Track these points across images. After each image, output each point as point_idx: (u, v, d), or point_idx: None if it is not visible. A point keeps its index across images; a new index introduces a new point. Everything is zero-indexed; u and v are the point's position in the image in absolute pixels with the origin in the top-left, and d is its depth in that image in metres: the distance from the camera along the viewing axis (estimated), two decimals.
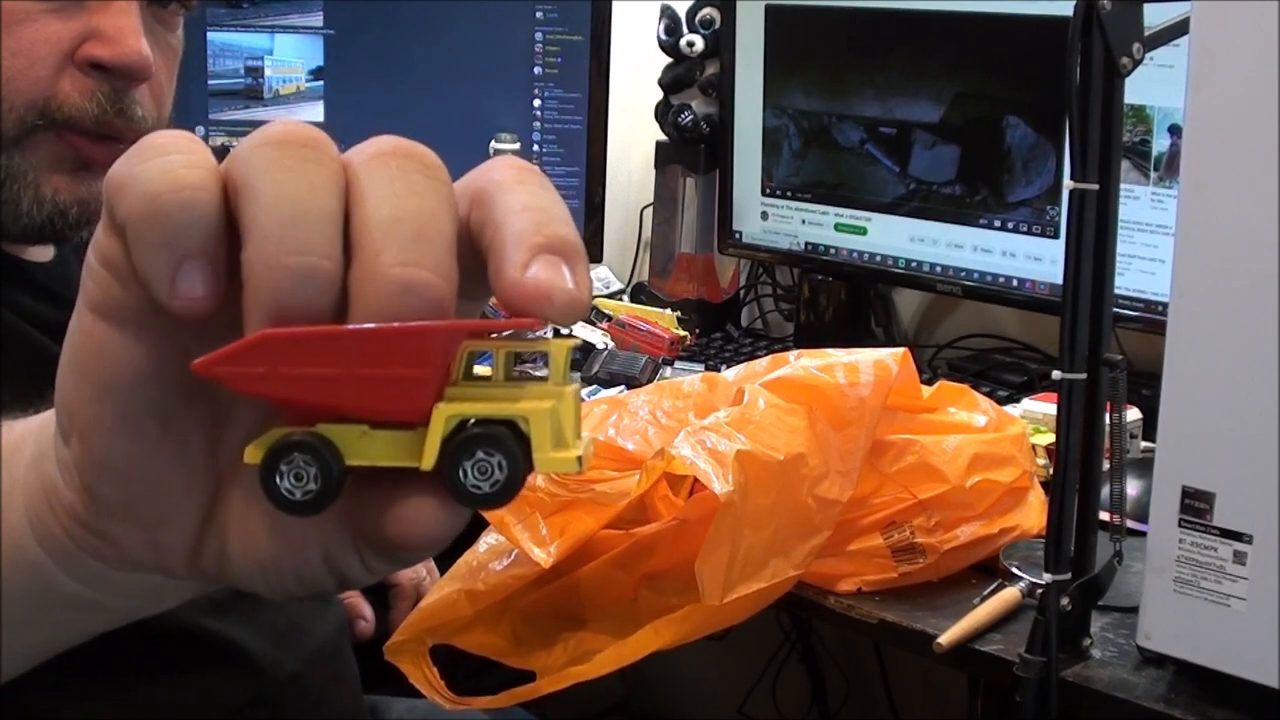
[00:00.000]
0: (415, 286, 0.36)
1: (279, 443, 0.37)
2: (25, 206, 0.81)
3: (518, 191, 0.38)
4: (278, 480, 0.37)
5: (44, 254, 0.90)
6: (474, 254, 0.38)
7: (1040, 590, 1.03)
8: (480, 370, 0.39)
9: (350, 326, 0.36)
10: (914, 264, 1.77)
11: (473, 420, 0.37)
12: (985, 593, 1.14)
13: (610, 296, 2.05)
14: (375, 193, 0.37)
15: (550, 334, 1.53)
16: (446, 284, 0.36)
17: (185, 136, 0.38)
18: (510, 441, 0.36)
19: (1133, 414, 1.35)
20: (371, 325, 0.35)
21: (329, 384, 0.36)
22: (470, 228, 0.38)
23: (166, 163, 0.37)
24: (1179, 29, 0.99)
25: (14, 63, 0.79)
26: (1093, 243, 0.99)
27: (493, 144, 1.81)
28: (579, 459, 0.37)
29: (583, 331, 1.80)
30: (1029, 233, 1.65)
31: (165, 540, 0.41)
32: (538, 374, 0.38)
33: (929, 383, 1.28)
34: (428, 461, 0.37)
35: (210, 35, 1.92)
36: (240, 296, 0.36)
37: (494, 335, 0.38)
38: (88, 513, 0.41)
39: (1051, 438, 1.21)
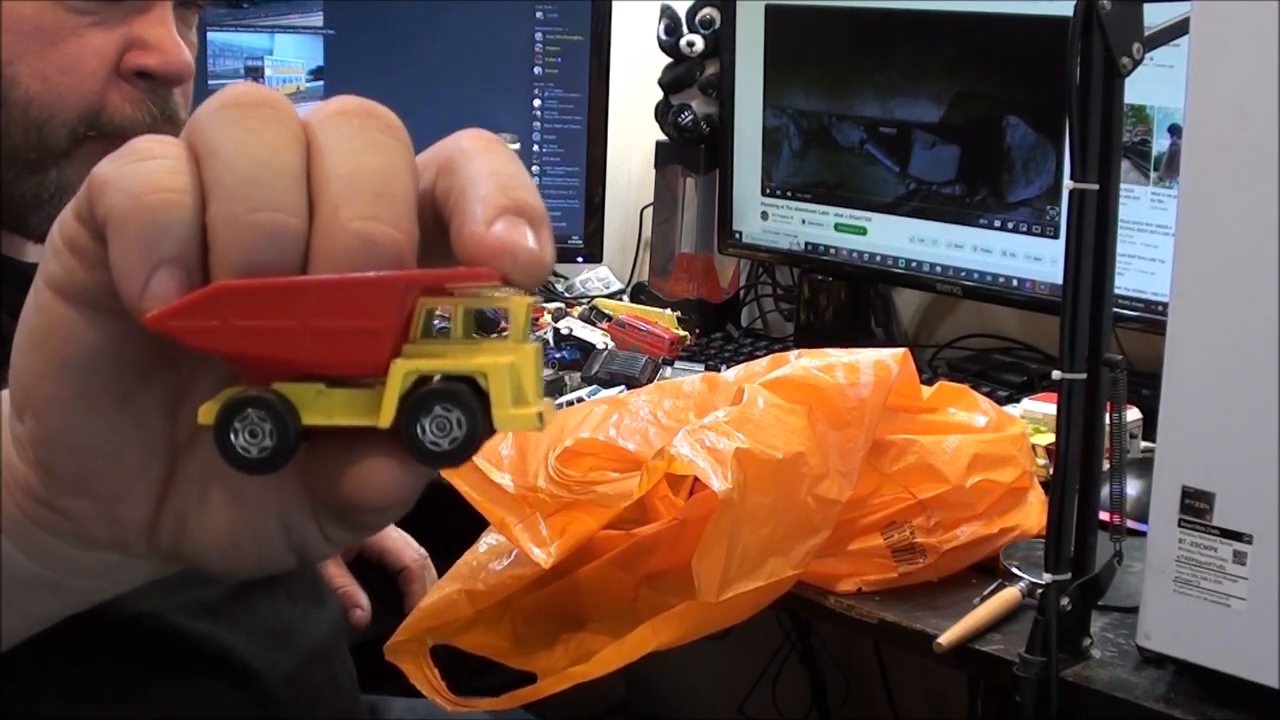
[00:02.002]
0: (376, 240, 0.36)
1: (234, 399, 0.36)
2: None
3: (485, 159, 0.38)
4: (232, 437, 0.36)
5: (38, 254, 0.90)
6: (437, 223, 0.38)
7: (1040, 590, 1.03)
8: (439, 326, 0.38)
9: (306, 277, 0.35)
10: (914, 264, 1.77)
11: (430, 376, 0.36)
12: (985, 593, 1.14)
13: (610, 296, 2.05)
14: (336, 148, 0.37)
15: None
16: (407, 239, 0.36)
17: (172, 143, 0.38)
18: (469, 398, 0.36)
19: (1133, 414, 1.35)
20: (327, 276, 0.35)
21: (284, 337, 0.36)
22: (436, 195, 0.38)
23: (151, 166, 0.37)
24: (1179, 29, 0.99)
25: (64, 79, 0.81)
26: (1093, 243, 0.99)
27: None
28: (539, 415, 0.37)
29: (583, 332, 1.80)
30: (1029, 233, 1.65)
31: (122, 516, 0.41)
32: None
33: (929, 383, 1.28)
34: (385, 418, 0.36)
35: (210, 35, 1.92)
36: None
37: (452, 291, 0.37)
38: (44, 488, 0.41)
39: (1051, 438, 1.21)
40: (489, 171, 0.37)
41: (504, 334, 0.38)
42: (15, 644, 0.47)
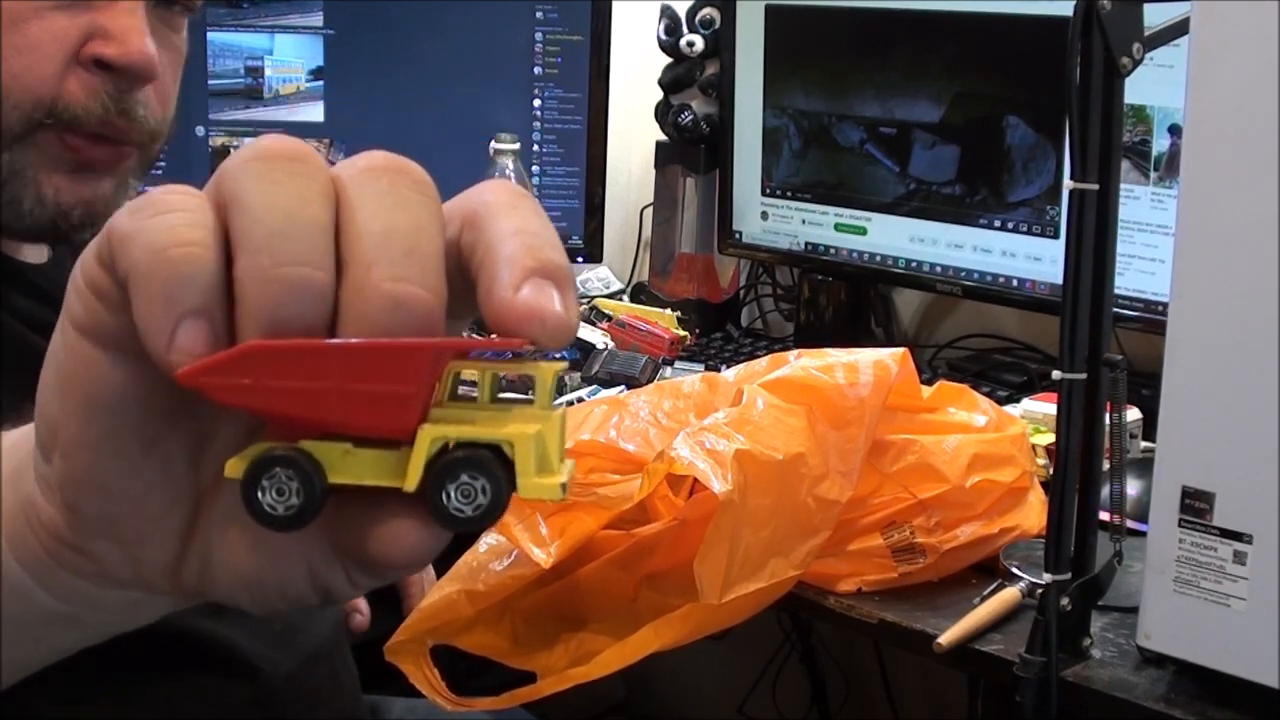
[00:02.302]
0: (406, 302, 0.36)
1: (262, 456, 0.37)
2: (27, 206, 0.81)
3: (510, 215, 0.38)
4: (259, 495, 0.37)
5: (39, 255, 0.90)
6: (462, 275, 0.38)
7: (1040, 590, 1.03)
8: (466, 390, 0.39)
9: (337, 340, 0.35)
10: (914, 264, 1.77)
11: (456, 443, 0.37)
12: (985, 593, 1.14)
13: (610, 296, 2.05)
14: (366, 207, 0.37)
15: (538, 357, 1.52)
16: (437, 300, 0.36)
17: (190, 194, 0.38)
18: (494, 465, 0.36)
19: (1133, 414, 1.35)
20: (358, 340, 0.35)
21: (313, 398, 0.36)
22: (461, 248, 0.38)
23: (171, 220, 0.37)
24: (1179, 29, 0.99)
25: (20, 59, 0.79)
26: (1093, 243, 0.99)
27: (493, 144, 1.81)
28: (562, 485, 0.37)
29: (583, 332, 1.80)
30: (1029, 233, 1.65)
31: (146, 557, 0.41)
32: (523, 396, 0.38)
33: (929, 383, 1.28)
34: (410, 483, 0.36)
35: (210, 35, 1.92)
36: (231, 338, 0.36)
37: (481, 355, 0.38)
38: (69, 530, 0.41)
39: (1051, 438, 1.21)
40: (514, 230, 0.37)
41: (530, 397, 0.38)
42: (27, 675, 0.47)
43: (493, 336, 0.37)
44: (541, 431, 0.37)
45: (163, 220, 0.37)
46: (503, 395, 0.38)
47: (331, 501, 0.38)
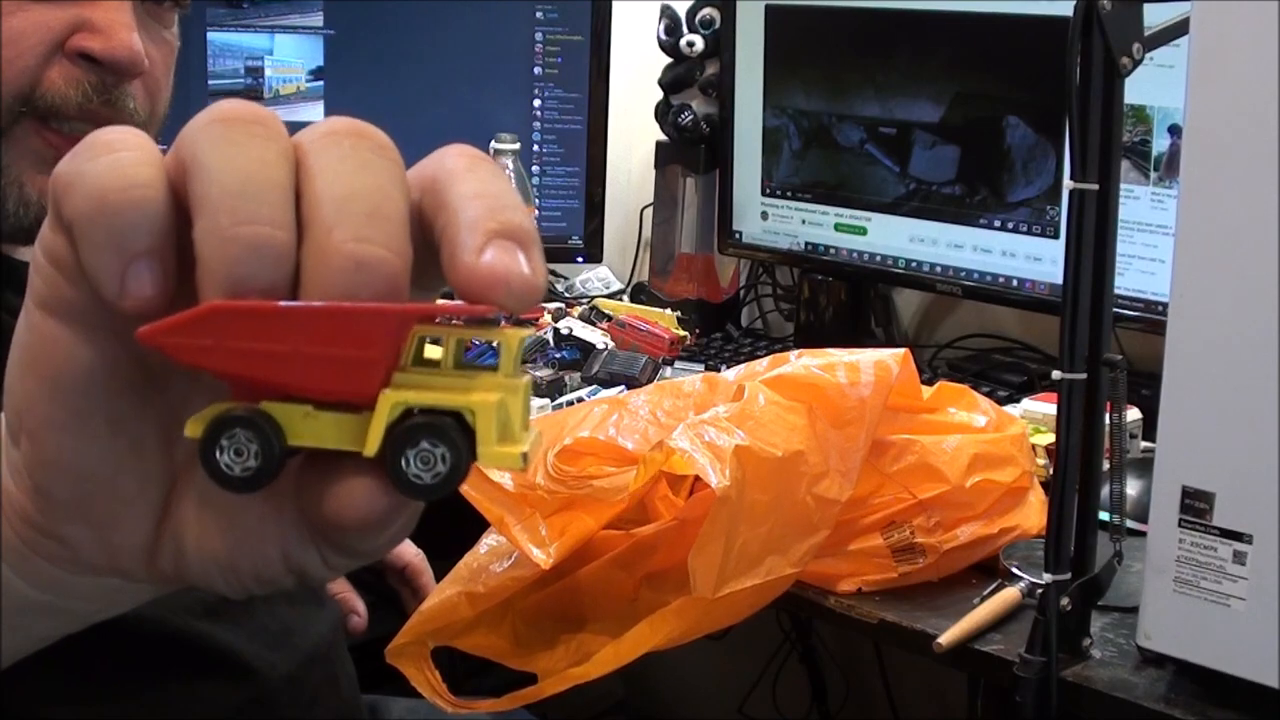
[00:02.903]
0: (369, 262, 0.35)
1: (220, 416, 0.36)
2: (11, 207, 0.80)
3: (469, 179, 0.37)
4: (217, 455, 0.36)
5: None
6: (425, 242, 0.37)
7: (1040, 590, 1.03)
8: (431, 353, 0.38)
9: (301, 304, 0.35)
10: (914, 264, 1.77)
11: (417, 408, 0.36)
12: (985, 593, 1.14)
13: (610, 296, 2.05)
14: (327, 169, 0.36)
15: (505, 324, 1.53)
16: (401, 261, 0.36)
17: (133, 132, 0.38)
18: (455, 433, 0.36)
19: (1133, 414, 1.34)
20: (323, 303, 0.35)
21: (275, 360, 0.35)
22: (422, 215, 0.38)
23: (115, 160, 0.36)
24: (1179, 29, 0.99)
25: (4, 51, 0.78)
26: (1093, 243, 0.99)
27: (493, 144, 1.81)
28: (523, 455, 0.36)
29: (583, 332, 1.80)
30: (1029, 233, 1.65)
31: (120, 542, 0.40)
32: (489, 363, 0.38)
33: (929, 383, 1.28)
34: (370, 448, 0.36)
35: (210, 35, 1.92)
36: (191, 290, 0.36)
37: (448, 321, 0.37)
38: (40, 515, 0.40)
39: (1051, 438, 1.21)
40: (474, 193, 0.37)
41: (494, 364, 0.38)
42: (13, 662, 0.47)
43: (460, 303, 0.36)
44: (504, 400, 0.36)
45: (106, 161, 0.36)
46: (467, 362, 0.38)
47: (296, 472, 0.37)
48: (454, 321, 0.37)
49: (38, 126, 0.80)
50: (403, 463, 0.36)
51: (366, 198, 0.36)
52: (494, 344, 0.38)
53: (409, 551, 1.35)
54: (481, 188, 0.37)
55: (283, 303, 0.35)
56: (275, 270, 0.35)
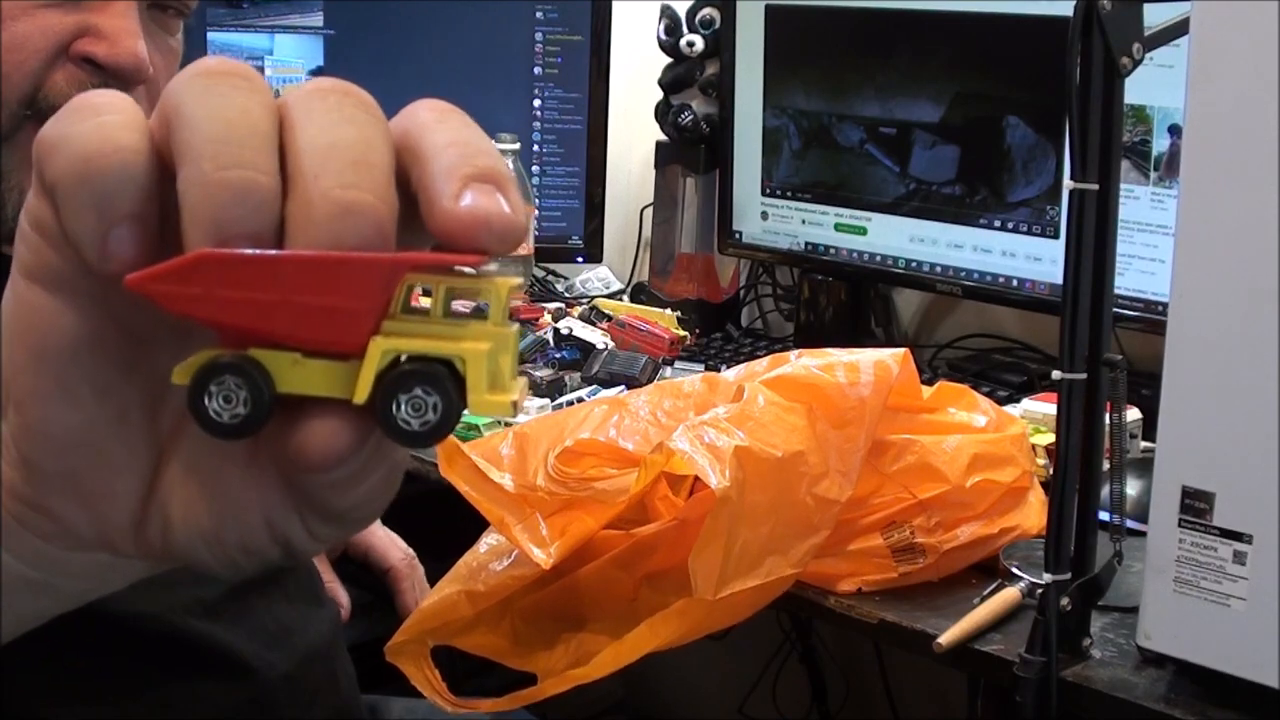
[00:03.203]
0: (356, 208, 0.35)
1: (210, 363, 0.36)
2: (11, 211, 0.79)
3: (441, 129, 0.38)
4: (206, 401, 0.36)
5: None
6: (403, 196, 0.37)
7: (1040, 590, 1.03)
8: (420, 302, 0.38)
9: (292, 252, 0.35)
10: (914, 264, 1.77)
11: (406, 356, 0.36)
12: (985, 593, 1.14)
13: (610, 296, 2.05)
14: (312, 122, 0.37)
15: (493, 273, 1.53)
16: (388, 209, 0.36)
17: (118, 95, 0.38)
18: (446, 381, 0.36)
19: (1133, 414, 1.34)
20: (314, 252, 0.35)
21: (264, 309, 0.35)
22: (399, 169, 0.38)
23: (99, 123, 0.36)
24: (1179, 29, 0.99)
25: (10, 57, 0.78)
26: (1093, 243, 0.99)
27: (493, 144, 1.81)
28: (513, 403, 0.36)
29: (583, 332, 1.80)
30: (1029, 233, 1.65)
31: (108, 515, 0.40)
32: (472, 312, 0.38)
33: (929, 383, 1.28)
34: (360, 395, 0.36)
35: (210, 35, 1.92)
36: (175, 247, 0.36)
37: (437, 270, 0.37)
38: (28, 487, 0.40)
39: (1051, 438, 1.21)
40: (448, 142, 0.37)
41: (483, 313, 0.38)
42: (6, 642, 0.47)
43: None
44: (494, 348, 0.36)
45: (91, 124, 0.36)
46: (455, 310, 0.37)
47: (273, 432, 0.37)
48: (443, 270, 0.37)
49: (39, 127, 0.79)
50: (393, 408, 0.36)
51: (350, 147, 0.36)
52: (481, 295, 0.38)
53: (394, 555, 1.35)
54: (454, 136, 0.38)
55: (274, 252, 0.35)
56: (261, 216, 0.35)
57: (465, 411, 0.37)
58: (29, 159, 0.80)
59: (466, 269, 0.37)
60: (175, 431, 0.41)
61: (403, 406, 0.36)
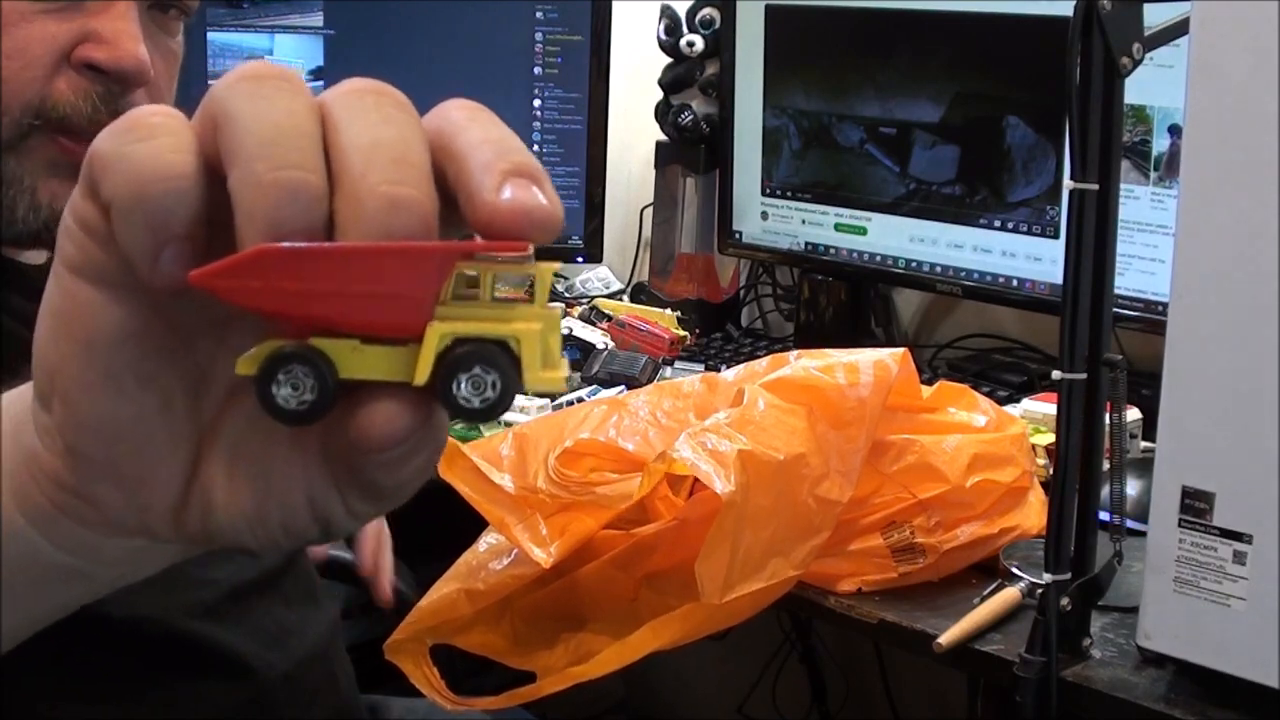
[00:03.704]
0: (404, 202, 0.37)
1: (276, 353, 0.38)
2: (21, 213, 0.80)
3: (474, 128, 0.39)
4: (274, 389, 0.38)
5: (37, 256, 0.90)
6: (441, 194, 0.39)
7: (1040, 590, 1.03)
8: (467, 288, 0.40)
9: (350, 244, 0.37)
10: (914, 264, 1.77)
11: (457, 338, 0.38)
12: (985, 593, 1.14)
13: (610, 296, 2.05)
14: (354, 123, 0.38)
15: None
16: (431, 204, 0.37)
17: (171, 115, 0.39)
18: (503, 360, 0.38)
19: (1133, 414, 1.35)
20: (370, 243, 0.37)
21: (323, 299, 0.37)
22: (434, 167, 0.39)
23: (155, 148, 0.38)
24: (1179, 29, 0.99)
25: (10, 64, 0.78)
26: (1093, 243, 0.99)
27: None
28: (565, 378, 0.39)
29: (583, 332, 1.80)
30: (1029, 233, 1.65)
31: (150, 500, 0.41)
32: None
33: (929, 383, 1.28)
34: (421, 376, 0.38)
35: (210, 35, 1.92)
36: (225, 241, 0.37)
37: (483, 257, 0.39)
38: (72, 476, 0.41)
39: (1051, 438, 1.21)
40: (481, 139, 0.39)
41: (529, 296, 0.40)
42: (36, 631, 0.47)
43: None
44: (544, 328, 0.39)
45: (145, 148, 0.38)
46: (499, 295, 0.40)
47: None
48: (488, 258, 0.39)
49: (50, 137, 0.80)
50: (454, 387, 0.38)
51: (393, 145, 0.38)
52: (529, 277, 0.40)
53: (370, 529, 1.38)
54: (486, 134, 0.39)
55: (333, 244, 0.37)
56: (312, 213, 0.37)
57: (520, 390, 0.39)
58: (40, 167, 0.82)
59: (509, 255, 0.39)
60: (217, 417, 0.42)
61: (463, 385, 0.38)
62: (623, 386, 1.63)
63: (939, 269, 1.75)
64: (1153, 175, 1.50)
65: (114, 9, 0.80)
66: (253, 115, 0.37)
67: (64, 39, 0.79)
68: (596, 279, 2.11)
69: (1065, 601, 1.02)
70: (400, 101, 0.40)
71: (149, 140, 0.38)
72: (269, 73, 0.39)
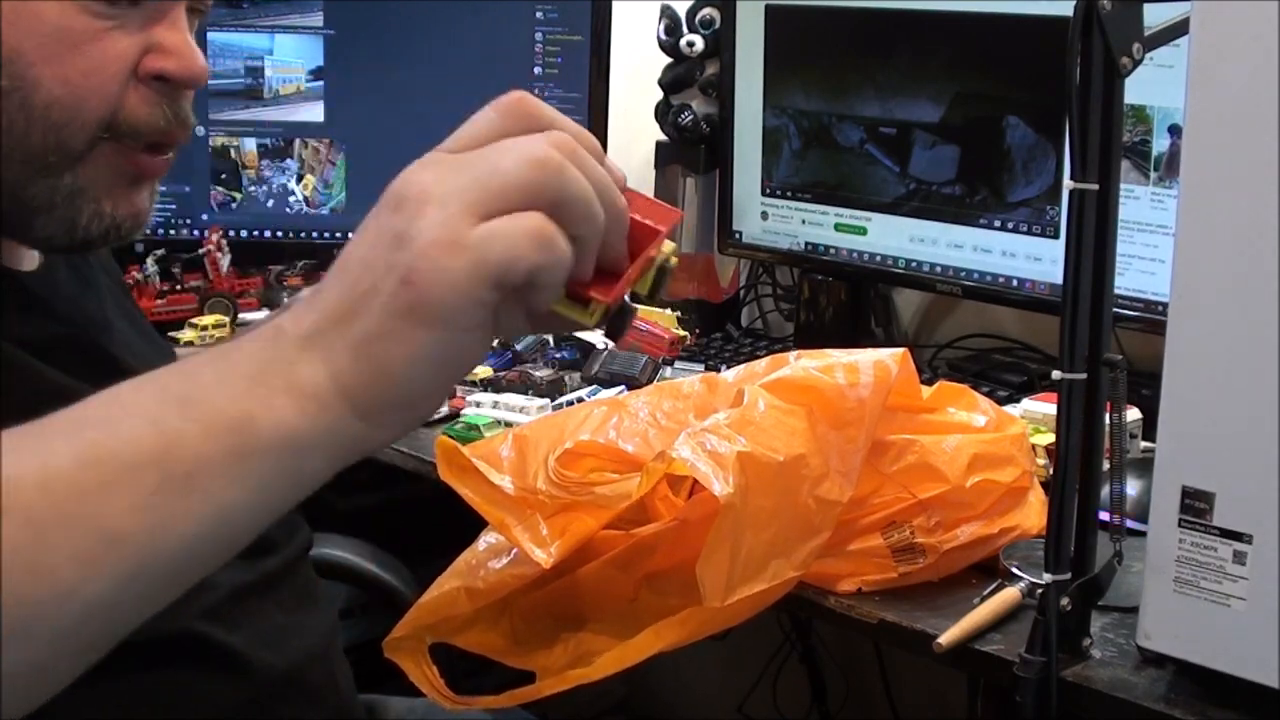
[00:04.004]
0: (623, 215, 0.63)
1: (617, 307, 0.65)
2: (84, 221, 0.83)
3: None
4: (603, 326, 0.65)
5: (30, 262, 0.90)
6: None
7: (1040, 590, 1.03)
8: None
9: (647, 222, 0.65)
10: (914, 264, 1.77)
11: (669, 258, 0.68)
12: (985, 593, 1.14)
13: None
14: (601, 180, 0.62)
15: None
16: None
17: (561, 238, 0.59)
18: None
19: (1133, 414, 1.34)
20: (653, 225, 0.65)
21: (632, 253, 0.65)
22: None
23: (561, 263, 0.59)
24: (1179, 29, 0.99)
25: (86, 82, 0.81)
26: (1093, 243, 0.99)
27: None
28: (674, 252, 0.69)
29: (582, 331, 1.80)
30: (1029, 233, 1.65)
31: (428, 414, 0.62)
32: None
33: (929, 383, 1.28)
34: (645, 285, 0.67)
35: (210, 35, 1.92)
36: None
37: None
38: (375, 436, 0.59)
39: (1051, 438, 1.21)
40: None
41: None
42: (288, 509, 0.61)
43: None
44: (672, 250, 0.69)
45: (557, 261, 0.59)
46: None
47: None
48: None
49: (117, 147, 0.83)
50: (660, 291, 0.68)
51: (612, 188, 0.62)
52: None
53: None
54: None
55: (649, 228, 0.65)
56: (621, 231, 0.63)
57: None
58: (106, 178, 0.85)
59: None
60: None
61: (664, 286, 0.67)
62: (623, 387, 1.63)
63: (939, 269, 1.75)
64: (1153, 175, 1.50)
65: (168, 18, 0.84)
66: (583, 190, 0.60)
67: (133, 53, 0.83)
68: None
69: (1065, 601, 1.02)
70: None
71: (559, 253, 0.59)
72: (570, 148, 0.61)
